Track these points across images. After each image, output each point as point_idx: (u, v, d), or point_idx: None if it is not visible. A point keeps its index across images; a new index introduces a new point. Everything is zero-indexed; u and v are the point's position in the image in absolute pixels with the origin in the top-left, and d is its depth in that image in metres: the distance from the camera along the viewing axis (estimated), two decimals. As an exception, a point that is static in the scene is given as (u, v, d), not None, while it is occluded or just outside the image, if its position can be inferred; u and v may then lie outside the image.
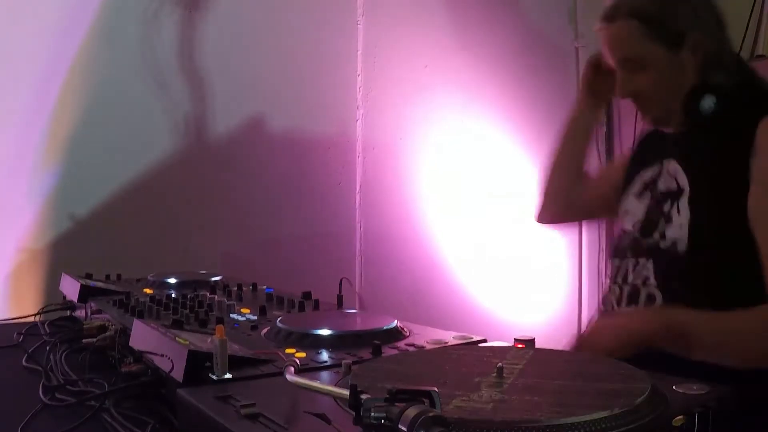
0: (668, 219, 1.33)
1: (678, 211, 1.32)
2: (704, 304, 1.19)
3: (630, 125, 2.73)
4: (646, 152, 1.51)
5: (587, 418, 0.61)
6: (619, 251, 1.45)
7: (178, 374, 0.84)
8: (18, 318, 1.60)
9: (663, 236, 1.34)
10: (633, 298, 1.36)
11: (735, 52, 1.43)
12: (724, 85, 1.32)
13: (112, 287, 1.57)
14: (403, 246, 2.71)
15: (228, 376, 0.82)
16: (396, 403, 0.56)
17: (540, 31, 2.82)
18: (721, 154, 1.29)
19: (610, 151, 2.86)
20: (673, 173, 1.36)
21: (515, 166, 2.79)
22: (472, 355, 0.87)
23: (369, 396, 0.58)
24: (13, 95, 2.22)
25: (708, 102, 1.31)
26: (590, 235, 2.84)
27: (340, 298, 1.42)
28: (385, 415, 0.56)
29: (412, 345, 1.00)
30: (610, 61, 1.41)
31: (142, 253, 2.30)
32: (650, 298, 1.34)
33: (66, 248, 2.27)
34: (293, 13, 2.63)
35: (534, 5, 2.82)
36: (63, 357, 1.19)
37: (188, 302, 1.33)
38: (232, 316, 1.27)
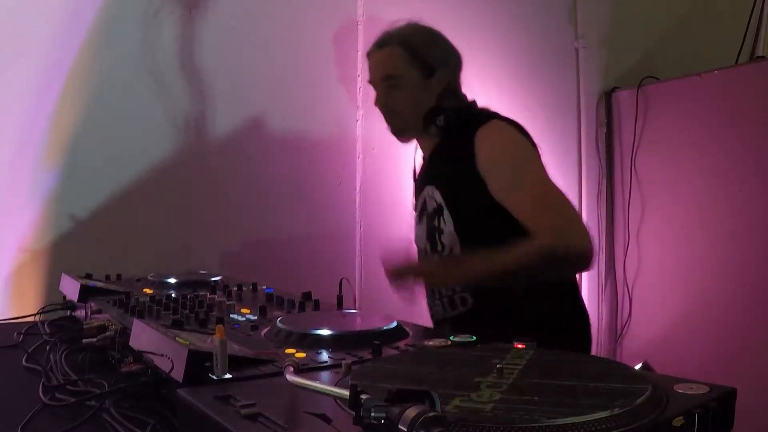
0: (440, 231, 1.65)
1: (444, 222, 1.64)
2: (519, 325, 1.40)
3: (630, 125, 2.73)
4: (417, 184, 1.84)
5: (587, 418, 0.61)
6: (439, 323, 1.71)
7: (178, 374, 0.84)
8: (18, 318, 1.60)
9: (443, 247, 1.65)
10: (454, 306, 1.66)
11: (461, 90, 1.77)
12: (453, 107, 1.69)
13: (112, 287, 1.57)
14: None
15: (228, 376, 0.82)
16: (396, 404, 0.56)
17: (540, 31, 2.82)
18: (456, 166, 1.62)
19: (610, 151, 2.87)
20: (432, 194, 1.68)
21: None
22: (472, 355, 0.87)
23: (369, 396, 0.58)
24: (14, 95, 2.22)
25: (440, 118, 1.67)
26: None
27: (340, 298, 1.42)
28: (385, 415, 0.56)
29: (412, 345, 1.00)
30: (373, 78, 1.75)
31: (142, 253, 2.30)
32: (464, 301, 1.64)
33: (66, 248, 2.27)
34: (293, 13, 2.63)
35: (534, 5, 2.82)
36: (63, 357, 1.19)
37: (188, 302, 1.33)
38: (232, 316, 1.27)
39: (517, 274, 1.46)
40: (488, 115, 1.67)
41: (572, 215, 1.54)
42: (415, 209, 1.82)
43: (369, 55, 1.79)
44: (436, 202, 1.67)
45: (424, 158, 1.80)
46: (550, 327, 1.47)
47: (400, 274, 1.52)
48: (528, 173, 1.57)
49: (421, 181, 1.78)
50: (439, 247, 1.66)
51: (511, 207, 1.53)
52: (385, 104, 1.73)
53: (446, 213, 1.63)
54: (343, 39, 2.73)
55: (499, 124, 1.63)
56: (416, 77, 1.69)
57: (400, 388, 0.57)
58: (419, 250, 1.76)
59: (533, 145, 1.63)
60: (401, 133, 1.77)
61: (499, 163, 1.57)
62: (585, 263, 1.47)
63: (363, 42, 2.74)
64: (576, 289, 1.75)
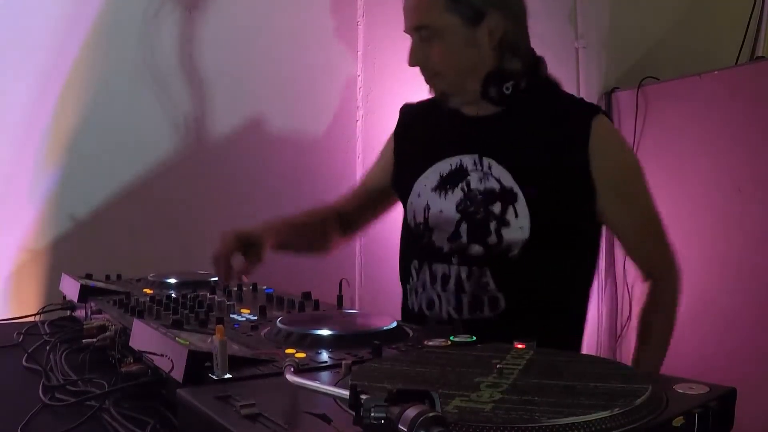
0: (503, 222, 1.33)
1: (516, 214, 1.32)
2: (544, 300, 1.35)
3: (630, 125, 2.73)
4: (433, 138, 1.48)
5: (587, 418, 0.61)
6: (429, 254, 1.41)
7: (178, 374, 0.84)
8: (18, 318, 1.60)
9: (499, 240, 1.33)
10: (476, 306, 1.36)
11: (531, 48, 1.43)
12: (520, 73, 1.36)
13: (112, 287, 1.57)
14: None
15: (228, 376, 0.82)
16: (396, 404, 0.56)
17: (540, 31, 2.82)
18: (547, 154, 1.32)
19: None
20: (494, 172, 1.35)
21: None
22: (472, 355, 0.87)
23: (369, 396, 0.58)
24: (14, 95, 2.22)
25: (507, 85, 1.33)
26: (590, 235, 2.84)
27: (340, 298, 1.42)
28: (385, 415, 0.56)
29: (412, 345, 1.00)
30: (407, 28, 1.40)
31: (142, 253, 2.30)
32: (493, 302, 1.35)
33: (66, 248, 2.27)
34: (293, 13, 2.63)
35: (534, 5, 2.82)
36: (63, 357, 1.19)
37: (188, 302, 1.33)
38: (232, 316, 1.27)
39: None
40: (592, 106, 1.43)
41: (670, 244, 1.48)
42: (415, 165, 1.48)
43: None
44: (501, 184, 1.34)
45: (467, 117, 1.43)
46: (574, 337, 1.47)
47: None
48: (649, 201, 1.43)
49: (450, 134, 1.44)
50: (493, 239, 1.34)
51: (624, 235, 1.43)
52: (420, 61, 1.38)
53: (522, 204, 1.32)
54: (343, 39, 2.73)
55: (612, 127, 1.43)
56: (457, 25, 1.33)
57: (400, 388, 0.57)
58: (418, 226, 1.44)
59: None
60: (446, 98, 1.42)
61: (620, 182, 1.37)
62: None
63: (363, 42, 2.74)
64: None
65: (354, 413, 0.59)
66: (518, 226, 1.32)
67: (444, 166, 1.42)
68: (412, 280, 1.47)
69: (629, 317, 2.75)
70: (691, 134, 2.50)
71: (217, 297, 1.38)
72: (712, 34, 2.84)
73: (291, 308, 1.35)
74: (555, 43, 2.82)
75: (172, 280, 1.65)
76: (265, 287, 1.57)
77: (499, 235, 1.33)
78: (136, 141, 2.40)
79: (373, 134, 2.72)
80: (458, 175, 1.39)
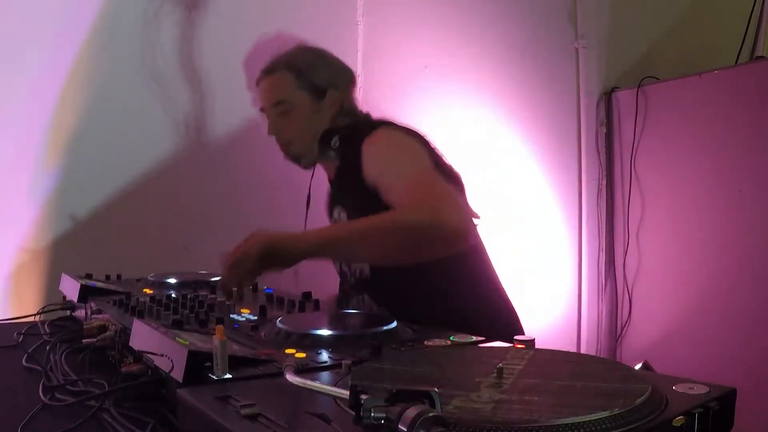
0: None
1: None
2: (411, 299, 1.46)
3: (630, 125, 2.73)
4: (328, 207, 1.75)
5: (587, 418, 0.61)
6: (346, 292, 1.68)
7: (178, 374, 0.84)
8: (18, 318, 1.60)
9: (355, 270, 1.60)
10: (355, 273, 1.60)
11: (356, 106, 1.71)
12: (346, 126, 1.62)
13: (112, 287, 1.57)
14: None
15: (228, 376, 0.82)
16: (396, 404, 0.56)
17: (540, 31, 2.82)
18: (353, 184, 1.51)
19: (609, 151, 2.86)
20: (340, 217, 1.63)
21: (515, 166, 2.79)
22: (472, 355, 0.87)
23: (369, 396, 0.58)
24: (14, 95, 2.22)
25: (334, 140, 1.60)
26: (590, 235, 2.84)
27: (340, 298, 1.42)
28: (385, 415, 0.56)
29: (412, 345, 1.00)
30: (264, 106, 1.68)
31: (142, 253, 2.30)
32: (362, 271, 1.58)
33: (66, 248, 2.27)
34: (293, 13, 2.63)
35: (534, 5, 2.82)
36: (63, 357, 1.18)
37: (188, 302, 1.33)
38: (232, 316, 1.27)
39: (369, 239, 1.33)
40: (374, 125, 1.58)
41: (444, 193, 1.39)
42: None
43: (258, 83, 1.71)
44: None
45: (330, 181, 1.73)
46: (442, 306, 1.46)
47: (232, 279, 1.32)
48: (406, 165, 1.45)
49: (331, 204, 1.72)
50: (356, 272, 1.61)
51: (385, 194, 1.42)
52: (277, 131, 1.67)
53: None
54: (343, 39, 2.73)
55: (383, 131, 1.54)
56: (306, 100, 1.63)
57: (400, 388, 0.57)
58: (342, 273, 1.70)
59: (424, 144, 1.53)
60: (299, 159, 1.70)
61: (381, 164, 1.47)
62: (451, 239, 1.34)
63: (363, 42, 2.74)
64: (481, 273, 1.62)
65: (354, 413, 0.59)
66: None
67: (332, 219, 1.72)
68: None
69: (629, 317, 2.75)
70: (691, 134, 2.50)
71: (217, 297, 1.38)
72: (712, 34, 2.84)
73: (291, 308, 1.35)
74: (555, 43, 2.82)
75: (172, 280, 1.65)
76: (265, 287, 1.57)
77: (352, 267, 1.62)
78: (136, 141, 2.40)
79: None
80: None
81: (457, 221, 1.33)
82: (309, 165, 1.72)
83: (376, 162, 1.48)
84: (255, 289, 1.59)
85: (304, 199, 2.75)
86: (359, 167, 1.49)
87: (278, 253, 1.30)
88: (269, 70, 1.67)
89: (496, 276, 1.65)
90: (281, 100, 1.64)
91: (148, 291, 1.54)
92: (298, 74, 1.63)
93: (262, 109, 1.70)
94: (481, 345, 0.98)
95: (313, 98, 1.63)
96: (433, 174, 1.43)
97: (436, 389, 0.58)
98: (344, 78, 1.69)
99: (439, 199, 1.36)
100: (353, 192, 1.54)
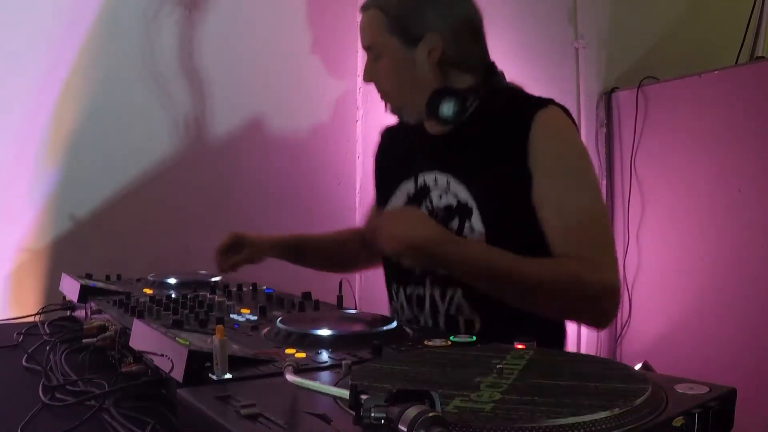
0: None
1: (472, 230, 1.32)
2: (518, 313, 1.23)
3: (630, 125, 2.73)
4: (402, 158, 1.50)
5: (587, 418, 0.61)
6: (409, 278, 1.41)
7: (178, 374, 0.84)
8: (18, 318, 1.60)
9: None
10: (452, 328, 1.35)
11: (487, 59, 1.43)
12: (470, 88, 1.37)
13: (112, 287, 1.57)
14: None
15: (228, 376, 0.82)
16: (396, 404, 0.56)
17: (540, 31, 2.82)
18: (496, 163, 1.31)
19: (609, 151, 2.86)
20: (451, 188, 1.36)
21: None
22: (472, 355, 0.87)
23: (369, 396, 0.58)
24: (14, 95, 2.22)
25: (448, 106, 1.34)
26: (590, 235, 2.84)
27: (340, 298, 1.42)
28: (385, 415, 0.56)
29: (412, 345, 1.00)
30: (362, 47, 1.46)
31: (142, 253, 2.31)
32: (469, 324, 1.35)
33: (66, 248, 2.28)
34: (293, 12, 2.63)
35: (534, 5, 2.82)
36: (63, 357, 1.18)
37: (188, 302, 1.33)
38: (232, 316, 1.27)
39: (535, 290, 1.21)
40: (540, 100, 1.36)
41: (613, 246, 1.29)
42: (389, 188, 1.50)
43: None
44: (458, 199, 1.35)
45: (429, 135, 1.46)
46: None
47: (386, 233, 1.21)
48: (586, 192, 1.29)
49: (414, 154, 1.46)
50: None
51: (545, 221, 1.27)
52: (372, 78, 1.45)
53: (476, 216, 1.31)
54: (343, 39, 2.73)
55: (562, 114, 1.34)
56: (397, 47, 1.38)
57: (400, 388, 0.57)
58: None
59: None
60: (399, 112, 1.46)
61: (557, 164, 1.28)
62: (613, 303, 1.24)
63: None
64: None
65: (354, 413, 0.59)
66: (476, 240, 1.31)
67: (409, 186, 1.45)
68: (393, 302, 1.51)
69: (629, 317, 2.75)
70: (691, 134, 2.50)
71: (217, 297, 1.38)
72: (712, 34, 2.84)
73: (291, 308, 1.35)
74: (555, 43, 2.82)
75: (172, 280, 1.65)
76: (265, 287, 1.57)
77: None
78: (136, 141, 2.40)
79: (373, 134, 2.72)
80: (422, 194, 1.42)
81: (616, 280, 1.23)
82: (414, 121, 1.45)
83: (552, 156, 1.28)
84: (255, 289, 1.59)
85: (304, 198, 2.75)
86: (524, 140, 1.28)
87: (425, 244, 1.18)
88: (364, 6, 1.43)
89: None
90: (371, 44, 1.42)
91: (148, 291, 1.54)
92: (388, 15, 1.37)
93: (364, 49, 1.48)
94: (481, 345, 0.98)
95: (405, 45, 1.37)
96: (607, 216, 1.33)
97: (436, 390, 0.58)
98: (454, 20, 1.37)
99: (614, 258, 1.26)
100: (495, 165, 1.31)
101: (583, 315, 1.30)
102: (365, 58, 1.46)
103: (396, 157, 1.55)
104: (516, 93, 1.41)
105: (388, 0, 1.39)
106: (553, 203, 1.27)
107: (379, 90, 1.45)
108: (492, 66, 1.43)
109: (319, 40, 2.70)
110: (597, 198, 1.31)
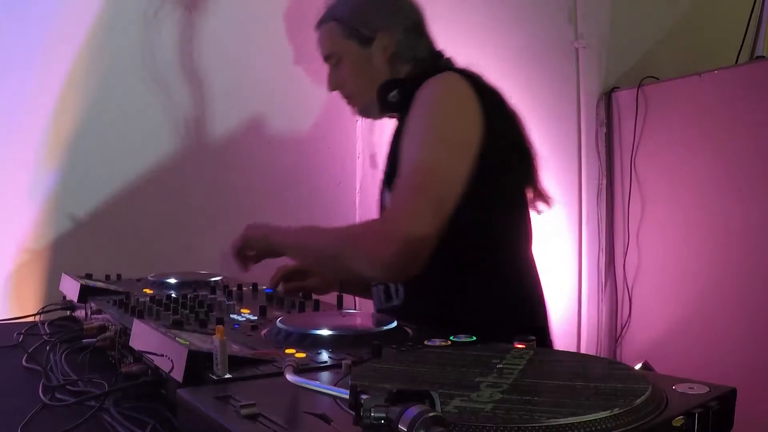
0: None
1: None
2: (440, 282, 1.35)
3: (630, 125, 2.73)
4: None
5: (587, 418, 0.61)
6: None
7: (178, 374, 0.84)
8: (18, 318, 1.60)
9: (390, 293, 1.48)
10: (389, 297, 1.48)
11: (434, 50, 1.55)
12: (411, 76, 1.46)
13: (112, 287, 1.57)
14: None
15: (228, 376, 0.82)
16: (396, 404, 0.56)
17: (540, 31, 2.82)
18: (400, 140, 1.37)
19: (609, 151, 2.87)
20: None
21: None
22: (472, 355, 0.87)
23: (369, 396, 0.58)
24: (13, 95, 2.22)
25: (393, 93, 1.45)
26: (590, 235, 2.84)
27: (340, 298, 1.42)
28: (385, 415, 0.56)
29: (412, 345, 1.00)
30: (322, 57, 1.58)
31: (142, 253, 2.31)
32: (397, 293, 1.46)
33: (66, 248, 2.27)
34: (293, 13, 2.63)
35: (534, 5, 2.82)
36: (63, 357, 1.18)
37: (188, 302, 1.33)
38: (232, 316, 1.26)
39: (333, 257, 1.33)
40: (445, 69, 1.43)
41: (426, 196, 1.24)
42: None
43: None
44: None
45: (362, 111, 1.62)
46: (482, 325, 1.21)
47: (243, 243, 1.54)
48: (425, 144, 1.30)
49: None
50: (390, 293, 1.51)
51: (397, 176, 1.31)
52: (336, 86, 1.57)
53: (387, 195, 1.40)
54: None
55: (450, 79, 1.38)
56: (354, 48, 1.50)
57: (400, 388, 0.57)
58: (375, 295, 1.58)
59: (497, 106, 1.40)
60: (364, 113, 1.60)
61: (412, 125, 1.34)
62: (382, 245, 1.22)
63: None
64: (510, 279, 1.45)
65: (354, 413, 0.59)
66: None
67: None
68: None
69: (629, 317, 2.75)
70: (691, 134, 2.50)
71: (217, 297, 1.38)
72: (712, 34, 2.84)
73: (291, 308, 1.35)
74: (555, 43, 2.83)
75: (172, 280, 1.65)
76: (265, 287, 1.57)
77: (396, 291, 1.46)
78: (136, 141, 2.40)
79: (373, 134, 2.72)
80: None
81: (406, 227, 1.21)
82: (378, 117, 1.60)
83: (414, 117, 1.34)
84: (255, 289, 1.59)
85: (304, 198, 2.75)
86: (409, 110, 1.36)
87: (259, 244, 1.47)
88: (319, 23, 1.57)
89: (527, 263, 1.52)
90: (331, 52, 1.55)
91: (148, 291, 1.54)
92: (343, 22, 1.52)
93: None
94: (481, 345, 0.98)
95: (361, 45, 1.50)
96: (447, 171, 1.26)
97: (435, 390, 0.58)
98: (400, 19, 1.51)
99: (423, 206, 1.23)
100: (396, 157, 1.37)
101: (354, 262, 1.31)
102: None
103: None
104: (439, 70, 1.44)
105: (342, 10, 1.53)
106: (402, 161, 1.31)
107: (344, 96, 1.58)
108: (439, 54, 1.55)
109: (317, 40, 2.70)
110: (438, 151, 1.29)
